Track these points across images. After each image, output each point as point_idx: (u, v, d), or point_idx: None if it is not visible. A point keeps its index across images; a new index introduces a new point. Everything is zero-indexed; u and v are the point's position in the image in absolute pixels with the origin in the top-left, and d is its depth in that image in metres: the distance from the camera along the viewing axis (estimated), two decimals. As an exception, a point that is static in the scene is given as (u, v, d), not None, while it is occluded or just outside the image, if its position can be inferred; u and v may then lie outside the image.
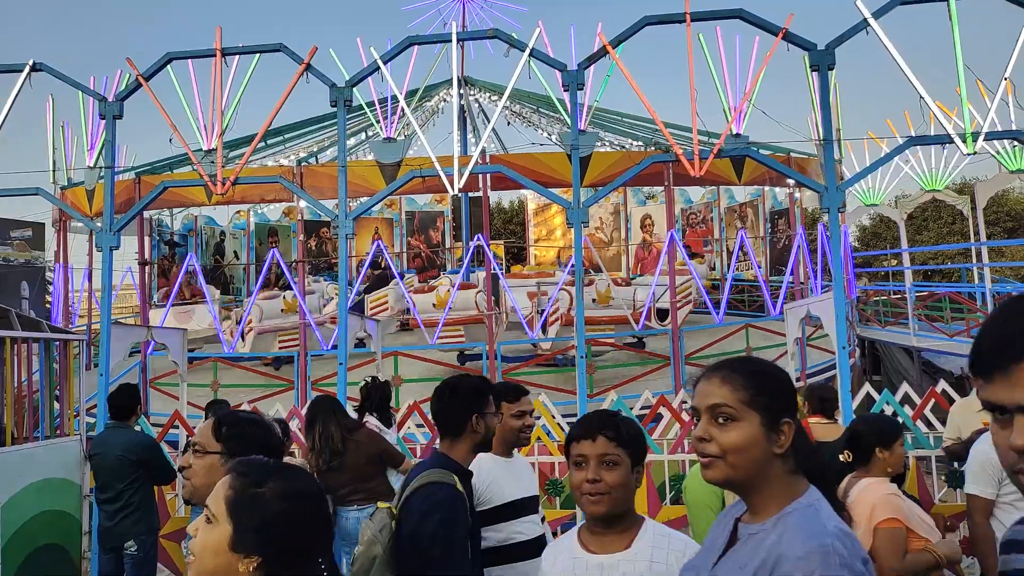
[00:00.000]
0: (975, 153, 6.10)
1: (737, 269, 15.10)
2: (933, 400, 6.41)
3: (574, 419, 6.09)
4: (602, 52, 6.17)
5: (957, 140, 6.02)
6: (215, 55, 6.16)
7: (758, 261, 14.78)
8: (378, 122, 7.64)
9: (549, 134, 15.38)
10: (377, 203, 6.68)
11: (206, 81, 6.41)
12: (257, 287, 9.84)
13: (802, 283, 12.35)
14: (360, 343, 8.70)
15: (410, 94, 12.11)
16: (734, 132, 6.98)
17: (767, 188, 15.05)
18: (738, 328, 10.19)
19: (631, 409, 6.69)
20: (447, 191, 6.28)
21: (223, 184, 6.05)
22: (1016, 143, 8.32)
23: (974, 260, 15.06)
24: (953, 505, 5.49)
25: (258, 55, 6.36)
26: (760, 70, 6.47)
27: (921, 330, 14.09)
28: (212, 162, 6.23)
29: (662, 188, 13.32)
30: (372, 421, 5.38)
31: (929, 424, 6.43)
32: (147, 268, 11.83)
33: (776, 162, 6.52)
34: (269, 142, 13.09)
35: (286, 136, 13.63)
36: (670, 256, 9.65)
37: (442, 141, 16.18)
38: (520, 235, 27.26)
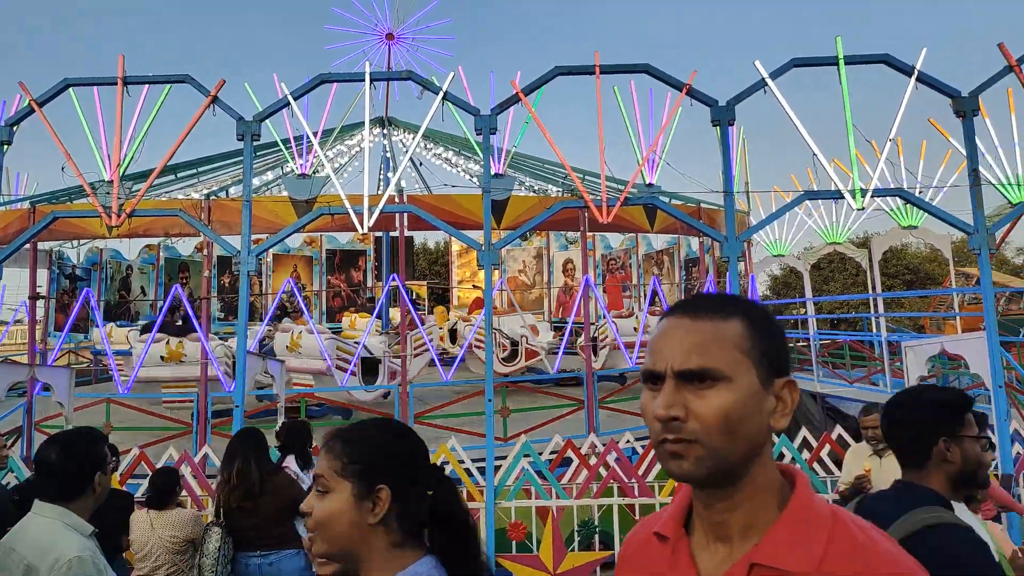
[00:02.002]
0: (863, 208, 6.46)
1: (651, 314, 15.40)
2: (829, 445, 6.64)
3: (483, 463, 6.01)
4: (514, 99, 6.27)
5: (847, 196, 6.36)
6: (116, 83, 5.95)
7: (670, 306, 15.15)
8: (292, 158, 7.51)
9: (469, 176, 15.51)
10: (281, 240, 6.52)
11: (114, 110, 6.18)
12: (157, 324, 9.39)
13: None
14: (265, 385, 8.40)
15: (328, 131, 12.01)
16: (646, 181, 7.18)
17: (682, 237, 15.52)
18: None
19: (540, 454, 6.65)
20: (356, 230, 6.19)
21: (118, 216, 5.79)
22: (903, 200, 8.86)
23: (872, 310, 15.86)
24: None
25: (169, 86, 6.18)
26: (666, 123, 6.70)
27: (825, 376, 14.68)
28: (109, 193, 5.96)
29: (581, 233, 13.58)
30: (291, 465, 5.21)
31: (827, 468, 6.65)
32: (41, 302, 11.15)
33: (677, 211, 6.74)
34: (180, 175, 12.69)
35: (199, 169, 13.24)
36: (584, 300, 9.77)
37: (358, 179, 16.07)
38: (445, 276, 27.20)
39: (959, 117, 6.26)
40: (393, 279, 9.54)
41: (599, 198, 6.36)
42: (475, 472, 6.48)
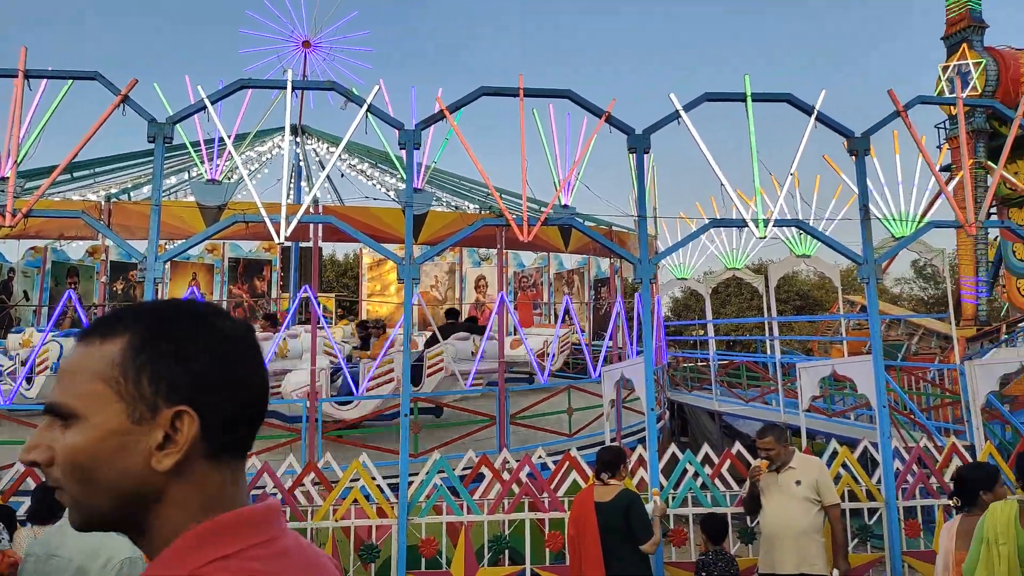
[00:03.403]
0: (765, 237, 6.85)
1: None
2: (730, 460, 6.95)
3: (396, 480, 5.94)
4: (439, 116, 6.31)
5: (751, 225, 6.73)
6: (17, 76, 5.59)
7: (582, 326, 15.49)
8: (202, 163, 7.24)
9: (386, 190, 15.39)
10: (193, 246, 6.27)
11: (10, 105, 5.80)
12: (48, 327, 8.78)
13: (620, 348, 13.06)
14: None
15: (240, 137, 11.66)
16: (562, 203, 7.36)
17: (593, 257, 15.93)
18: (561, 389, 10.52)
19: (453, 469, 6.64)
20: (272, 239, 6.04)
21: (13, 216, 5.42)
22: (800, 230, 9.45)
23: (767, 333, 16.74)
24: (746, 559, 5.92)
25: (70, 81, 5.85)
26: (586, 147, 6.90)
27: (722, 395, 15.35)
28: (3, 191, 5.57)
29: (496, 250, 13.69)
30: None
31: (726, 483, 6.95)
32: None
33: (596, 234, 6.94)
34: (76, 175, 11.97)
35: (96, 170, 12.53)
36: (499, 317, 9.85)
37: (270, 187, 15.65)
38: (354, 289, 26.72)
39: (852, 156, 6.76)
40: (305, 291, 9.32)
41: (520, 217, 6.47)
42: (386, 489, 6.40)
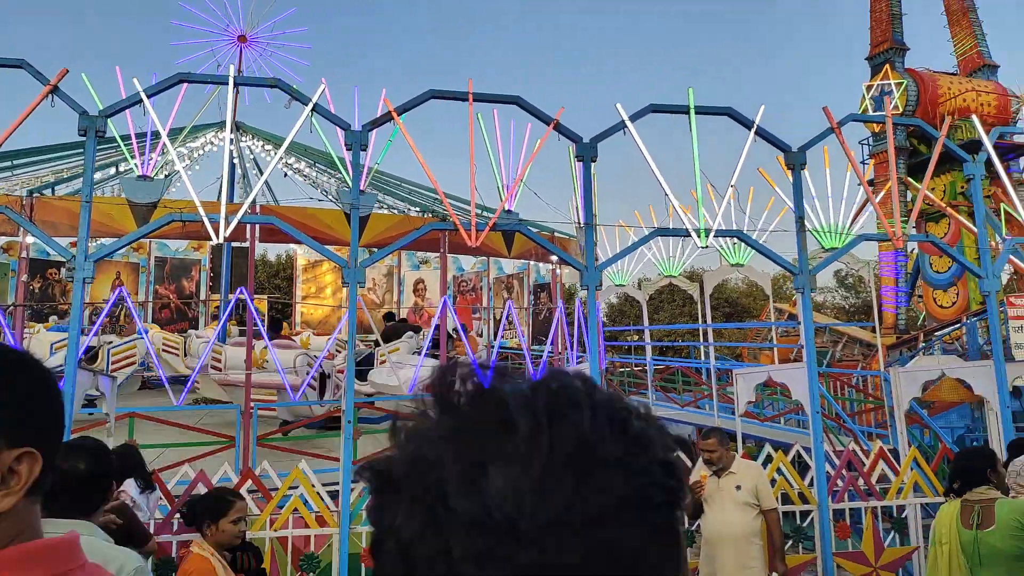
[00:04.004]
0: (707, 247, 7.01)
1: (503, 337, 15.74)
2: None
3: (337, 487, 5.81)
4: (386, 117, 6.22)
5: (693, 235, 6.87)
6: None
7: (523, 331, 15.53)
8: (133, 157, 6.93)
9: (326, 191, 15.09)
10: (126, 245, 6.00)
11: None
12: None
13: (560, 353, 13.15)
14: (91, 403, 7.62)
15: (173, 132, 11.24)
16: (506, 208, 7.36)
17: (532, 262, 15.99)
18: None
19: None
20: (209, 239, 5.82)
21: (-76, 208, 5.06)
22: (738, 240, 9.71)
23: (701, 339, 17.15)
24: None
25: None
26: (533, 154, 6.92)
27: (658, 400, 15.65)
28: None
29: (436, 254, 13.58)
30: (128, 490, 4.79)
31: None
32: None
33: (545, 240, 6.97)
34: (-4, 165, 11.32)
35: (15, 163, 11.87)
36: (442, 322, 9.78)
37: (207, 186, 15.12)
38: (286, 290, 26.09)
39: (788, 170, 6.98)
40: (241, 292, 9.03)
41: (467, 221, 6.43)
42: (325, 497, 6.24)
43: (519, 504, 0.50)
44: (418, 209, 12.97)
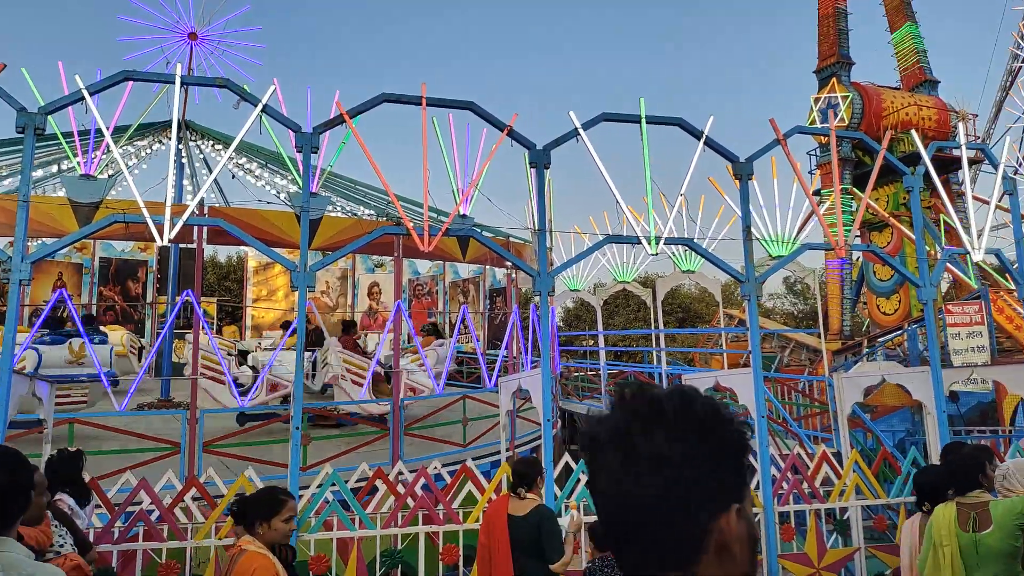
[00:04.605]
0: (657, 254, 7.11)
1: (458, 342, 15.68)
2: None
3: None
4: (338, 120, 6.17)
5: (644, 242, 6.97)
6: None
7: (477, 335, 15.52)
8: (75, 156, 6.72)
9: (277, 192, 14.85)
10: (66, 246, 5.81)
11: None
12: None
13: (515, 357, 13.17)
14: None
15: (119, 131, 10.95)
16: (461, 213, 7.35)
17: (488, 267, 16.00)
18: (456, 399, 10.48)
19: (346, 482, 6.47)
20: (154, 240, 5.68)
21: None
22: (688, 248, 9.86)
23: (654, 344, 17.38)
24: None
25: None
26: (487, 160, 6.93)
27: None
28: None
29: (391, 258, 13.48)
30: (65, 499, 4.63)
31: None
32: None
33: (498, 246, 6.97)
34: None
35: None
36: (396, 325, 9.70)
37: (154, 187, 14.74)
38: (236, 293, 25.59)
39: (736, 180, 7.14)
40: (187, 295, 8.83)
41: (420, 226, 6.40)
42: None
43: (670, 446, 0.96)
44: (372, 212, 12.86)
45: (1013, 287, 9.51)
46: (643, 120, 6.94)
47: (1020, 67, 32.59)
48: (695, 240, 7.90)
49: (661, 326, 15.04)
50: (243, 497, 3.90)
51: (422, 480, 6.30)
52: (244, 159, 15.52)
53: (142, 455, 7.91)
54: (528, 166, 6.93)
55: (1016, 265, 8.40)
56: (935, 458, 6.95)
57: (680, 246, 12.48)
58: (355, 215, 13.07)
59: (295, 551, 4.23)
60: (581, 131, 6.75)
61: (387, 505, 6.55)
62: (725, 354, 17.16)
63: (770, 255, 9.41)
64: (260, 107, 6.04)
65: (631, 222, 7.34)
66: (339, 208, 14.17)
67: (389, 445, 8.95)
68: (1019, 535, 3.51)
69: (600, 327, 16.72)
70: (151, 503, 5.80)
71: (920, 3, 26.28)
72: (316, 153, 6.29)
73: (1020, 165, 29.81)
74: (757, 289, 7.08)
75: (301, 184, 6.16)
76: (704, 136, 6.98)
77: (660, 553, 0.96)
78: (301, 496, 6.00)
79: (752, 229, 7.45)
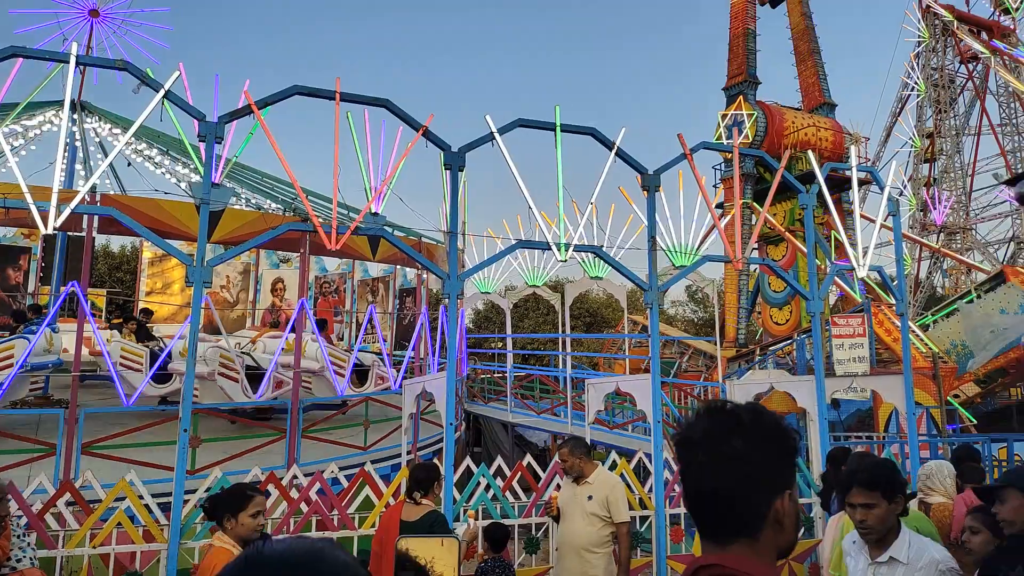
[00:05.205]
0: (566, 260, 7.21)
1: (364, 341, 15.40)
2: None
3: (170, 499, 5.46)
4: (246, 110, 5.94)
5: (554, 248, 7.05)
6: None
7: (384, 335, 15.31)
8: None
9: (178, 181, 14.18)
10: (-69, 230, 5.34)
11: None
12: None
13: (422, 359, 13.07)
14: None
15: (5, 108, 10.18)
16: (372, 211, 7.22)
17: (399, 267, 15.81)
18: (358, 401, 10.30)
19: (238, 486, 6.23)
20: (38, 228, 5.30)
21: None
22: (595, 255, 10.08)
23: (560, 348, 17.63)
24: (530, 569, 6.15)
25: None
26: (401, 159, 6.84)
27: (516, 407, 15.91)
28: None
29: (297, 253, 13.11)
30: None
31: (516, 495, 7.19)
32: None
33: (407, 246, 6.88)
34: None
35: None
36: (298, 325, 9.43)
37: (42, 169, 13.77)
38: (130, 285, 24.27)
39: (644, 191, 7.33)
40: (72, 286, 8.29)
41: (328, 223, 6.25)
42: (155, 509, 5.83)
43: (746, 448, 1.29)
44: (279, 207, 12.47)
45: (893, 302, 10.19)
46: (558, 128, 7.03)
47: (909, 96, 35.06)
48: (603, 248, 8.06)
49: (568, 330, 15.28)
50: (212, 494, 3.98)
51: (317, 485, 6.14)
52: (144, 145, 14.74)
53: (12, 456, 7.37)
54: (443, 168, 6.89)
55: (896, 282, 9.01)
56: (817, 463, 7.35)
57: (589, 253, 12.75)
58: (261, 209, 12.64)
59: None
60: (496, 135, 6.77)
61: (279, 511, 6.35)
62: (628, 359, 17.61)
63: (673, 265, 9.74)
64: (162, 93, 5.74)
65: (542, 228, 7.42)
66: (245, 201, 13.66)
67: (285, 448, 8.68)
68: None
69: (509, 330, 16.82)
70: (19, 508, 5.40)
71: (823, 30, 27.83)
72: (221, 143, 6.04)
73: (904, 188, 32.07)
74: (659, 297, 7.30)
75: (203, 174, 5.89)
76: (615, 147, 7.13)
77: (736, 525, 1.30)
78: (187, 501, 5.74)
79: (657, 239, 7.68)
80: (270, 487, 6.43)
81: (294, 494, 6.50)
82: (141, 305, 18.84)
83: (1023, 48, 32.03)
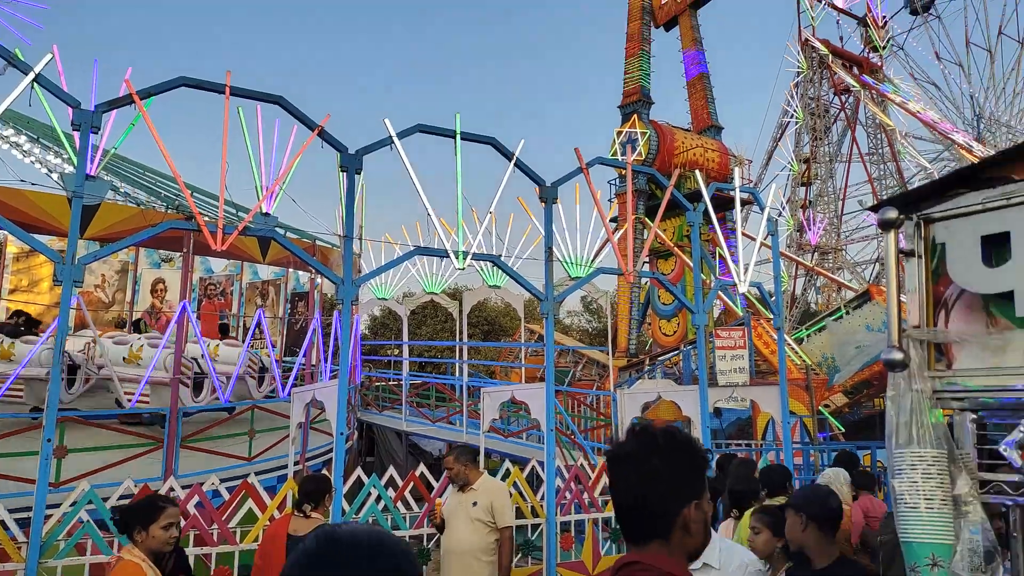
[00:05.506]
0: (464, 268, 7.21)
1: (252, 347, 14.79)
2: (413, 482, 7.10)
3: (29, 515, 5.04)
4: (127, 99, 5.60)
5: (452, 256, 7.04)
6: None
7: (274, 341, 14.77)
8: None
9: (49, 171, 13.18)
10: None
11: None
12: None
13: (313, 365, 12.70)
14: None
15: None
16: (264, 211, 6.96)
17: (291, 270, 15.31)
18: (244, 409, 9.87)
19: (104, 500, 5.82)
20: None
21: None
22: (493, 264, 10.13)
23: (458, 356, 17.61)
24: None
25: None
26: (295, 158, 6.63)
27: (411, 415, 15.74)
28: None
29: (181, 253, 12.45)
30: None
31: (407, 505, 7.09)
32: None
33: (299, 249, 6.68)
34: None
35: None
36: (179, 327, 8.95)
37: None
38: (-10, 281, 22.27)
39: (542, 202, 7.45)
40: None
41: (214, 223, 5.96)
42: (11, 525, 5.36)
43: (663, 464, 1.55)
44: (161, 203, 11.81)
45: (771, 316, 10.80)
46: (457, 135, 7.02)
47: (788, 122, 37.41)
48: (501, 257, 8.12)
49: (466, 338, 15.27)
50: (122, 506, 3.84)
51: (196, 498, 5.83)
52: (10, 131, 13.60)
53: None
54: (339, 170, 6.74)
55: (773, 297, 9.56)
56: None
57: (487, 262, 12.82)
58: (141, 204, 11.93)
59: (186, 558, 4.14)
60: (395, 139, 6.69)
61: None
62: (524, 368, 17.80)
63: (569, 276, 9.94)
64: (32, 76, 5.32)
65: (441, 235, 7.38)
66: (124, 195, 12.85)
67: (162, 458, 8.20)
68: None
69: (406, 337, 16.63)
70: None
71: (712, 55, 29.30)
72: (98, 133, 5.66)
73: (783, 209, 34.15)
74: (555, 307, 7.43)
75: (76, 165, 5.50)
76: (515, 158, 7.20)
77: (651, 529, 1.53)
78: (50, 516, 5.31)
79: (554, 250, 7.81)
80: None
81: (170, 508, 6.15)
82: (4, 304, 17.34)
83: (889, 84, 34.93)
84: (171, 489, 6.59)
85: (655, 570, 1.45)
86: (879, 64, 37.45)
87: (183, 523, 5.66)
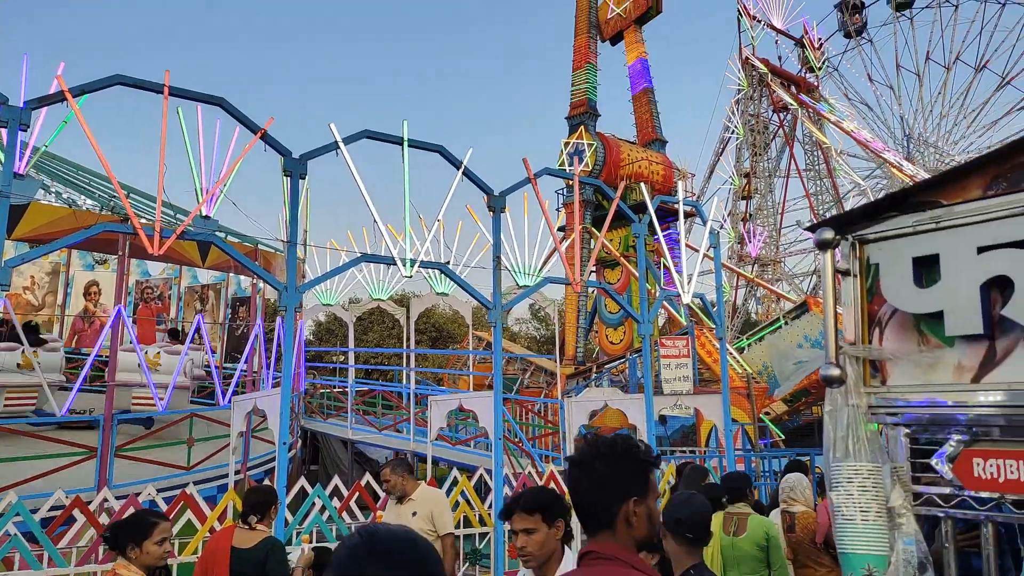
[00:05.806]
0: (411, 276, 7.16)
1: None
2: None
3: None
4: (58, 96, 5.39)
5: (399, 263, 6.98)
6: None
7: (213, 347, 14.38)
8: None
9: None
10: None
11: None
12: None
13: (255, 373, 12.41)
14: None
15: None
16: (203, 214, 6.78)
17: (232, 274, 14.95)
18: (182, 417, 9.58)
19: (32, 512, 5.56)
20: None
21: None
22: (441, 272, 10.10)
23: (405, 363, 17.44)
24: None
25: None
26: (236, 161, 6.48)
27: (357, 423, 15.50)
28: None
29: (115, 256, 12.03)
30: None
31: (353, 515, 6.98)
32: None
33: (239, 254, 6.52)
34: None
35: None
36: (114, 332, 8.63)
37: None
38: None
39: (491, 212, 7.46)
40: None
41: (151, 226, 5.78)
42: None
43: (605, 467, 1.84)
44: (95, 204, 11.39)
45: (714, 326, 11.03)
46: (405, 142, 6.99)
47: (729, 138, 38.41)
48: (449, 265, 8.09)
49: (413, 345, 15.15)
50: (114, 522, 3.76)
51: (131, 509, 5.62)
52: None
53: None
54: (283, 174, 6.63)
55: (716, 307, 9.77)
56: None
57: (435, 269, 12.75)
58: (73, 205, 11.48)
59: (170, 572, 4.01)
60: (341, 145, 6.61)
61: (86, 538, 5.75)
62: (472, 376, 17.75)
63: (517, 284, 9.97)
64: (-47, 67, 5.08)
65: (388, 242, 7.32)
66: (55, 195, 12.35)
67: (96, 468, 7.88)
68: (764, 546, 4.58)
69: (352, 343, 16.40)
70: None
71: (656, 70, 29.94)
72: (27, 130, 5.43)
73: (724, 222, 34.99)
74: (503, 315, 7.43)
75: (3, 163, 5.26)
76: (463, 166, 7.20)
77: (598, 520, 1.82)
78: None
79: (502, 258, 7.82)
80: (75, 513, 5.81)
81: (104, 519, 5.92)
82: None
83: (825, 103, 36.22)
84: (104, 500, 6.35)
85: (604, 556, 1.78)
86: (815, 84, 38.82)
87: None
